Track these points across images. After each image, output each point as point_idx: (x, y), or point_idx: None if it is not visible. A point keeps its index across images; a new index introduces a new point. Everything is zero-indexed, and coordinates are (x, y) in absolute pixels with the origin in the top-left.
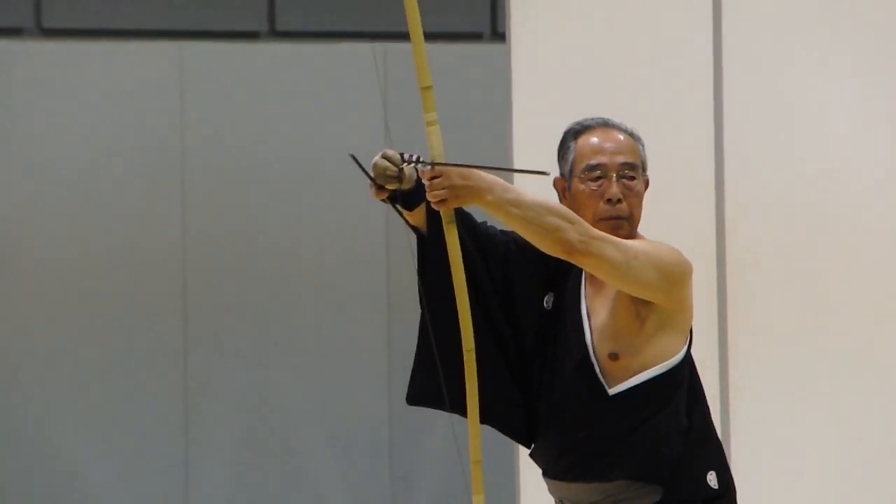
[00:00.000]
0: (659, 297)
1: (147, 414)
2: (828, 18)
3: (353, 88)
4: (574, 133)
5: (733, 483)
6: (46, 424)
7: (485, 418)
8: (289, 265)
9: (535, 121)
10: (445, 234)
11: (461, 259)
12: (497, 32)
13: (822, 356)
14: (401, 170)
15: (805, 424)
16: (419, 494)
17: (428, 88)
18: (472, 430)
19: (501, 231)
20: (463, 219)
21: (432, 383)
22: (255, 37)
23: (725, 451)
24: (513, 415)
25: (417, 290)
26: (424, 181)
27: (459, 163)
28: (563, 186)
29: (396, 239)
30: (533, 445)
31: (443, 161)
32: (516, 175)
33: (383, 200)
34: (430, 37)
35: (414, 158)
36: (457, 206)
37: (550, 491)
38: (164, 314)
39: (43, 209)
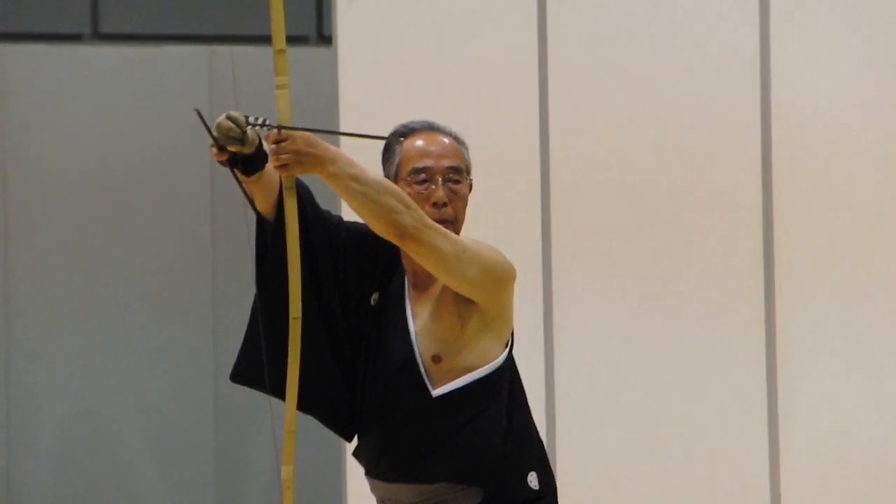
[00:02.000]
0: (481, 296)
1: None
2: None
3: (178, 92)
4: (399, 135)
5: (555, 483)
6: None
7: (307, 406)
8: (112, 268)
9: (362, 124)
10: (284, 199)
11: (297, 227)
12: (323, 36)
13: (645, 357)
14: (244, 132)
15: (631, 424)
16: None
17: (282, 52)
18: (289, 399)
19: (341, 221)
20: (313, 204)
21: (257, 365)
22: (77, 39)
23: (550, 452)
24: (335, 407)
25: (253, 275)
26: (269, 144)
27: (304, 127)
28: None
29: (222, 241)
30: (356, 444)
31: (289, 125)
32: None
33: (222, 163)
34: (255, 40)
35: (259, 121)
36: (299, 172)
37: (372, 490)
38: None
39: None
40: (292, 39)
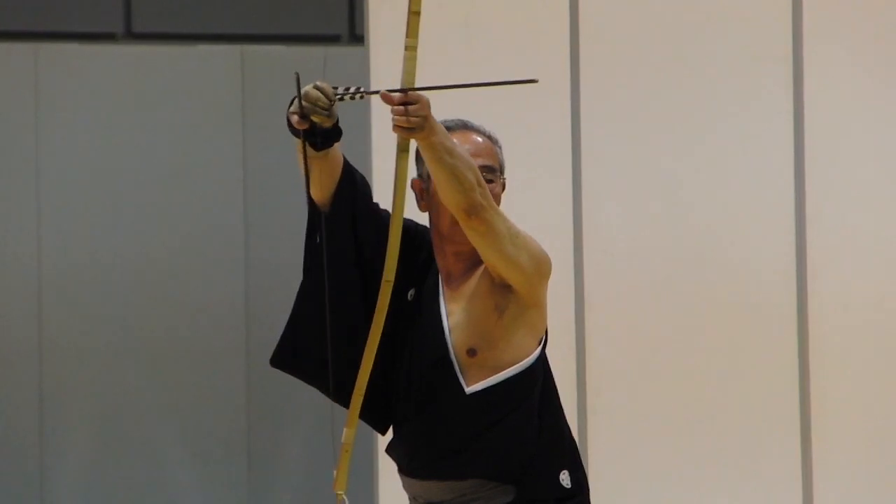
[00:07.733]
0: (522, 283)
1: (1, 416)
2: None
3: (210, 91)
4: None
5: (587, 482)
6: None
7: (344, 394)
8: (146, 268)
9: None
10: (397, 161)
11: (405, 186)
12: (355, 35)
13: (680, 357)
14: (332, 103)
15: (662, 423)
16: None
17: (416, 13)
18: (366, 359)
19: (388, 215)
20: (365, 195)
21: (297, 351)
22: (110, 38)
23: (582, 451)
24: (372, 397)
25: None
26: (392, 105)
27: (431, 86)
28: (421, 187)
29: (255, 237)
30: (389, 441)
31: (414, 87)
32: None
33: (295, 133)
34: (287, 39)
35: (351, 91)
36: (417, 137)
37: (404, 487)
38: (19, 317)
39: None
40: (324, 39)
